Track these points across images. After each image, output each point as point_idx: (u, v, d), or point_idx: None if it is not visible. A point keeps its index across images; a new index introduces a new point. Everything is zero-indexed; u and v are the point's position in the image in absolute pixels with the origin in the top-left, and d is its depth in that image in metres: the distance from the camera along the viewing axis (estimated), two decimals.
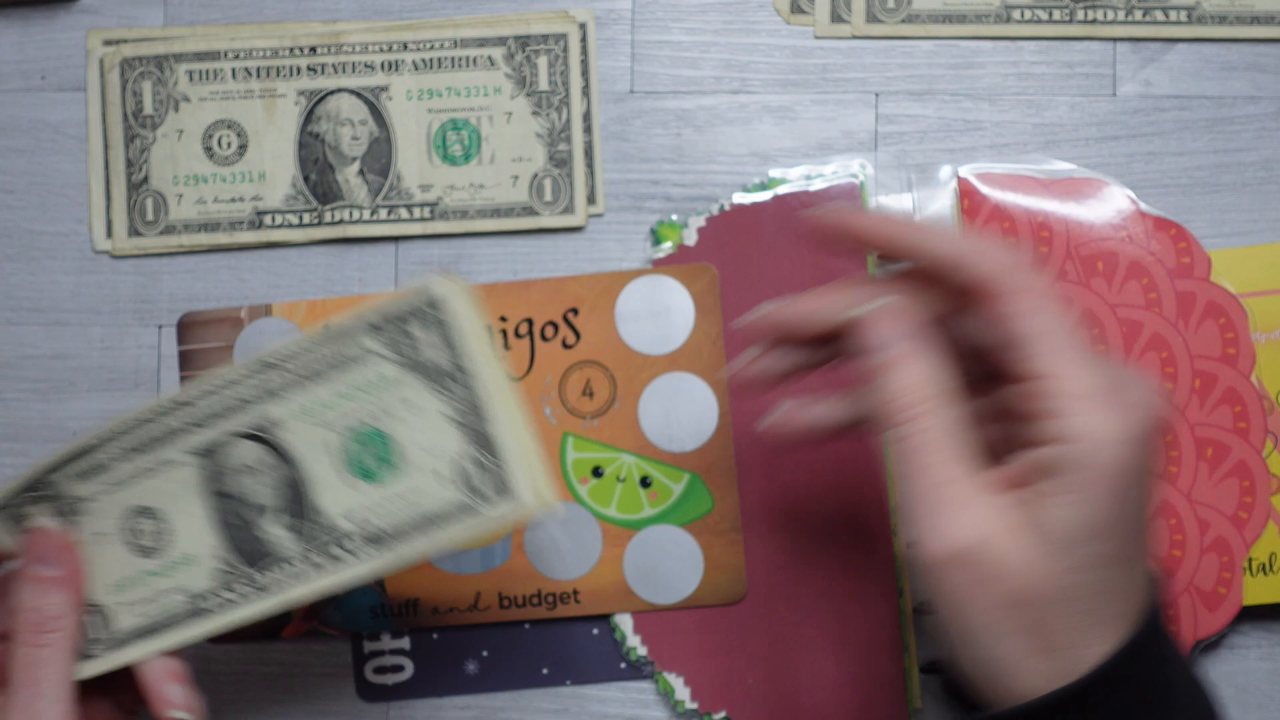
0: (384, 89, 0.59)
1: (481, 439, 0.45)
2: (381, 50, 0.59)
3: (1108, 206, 0.58)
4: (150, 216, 0.59)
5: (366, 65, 0.59)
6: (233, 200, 0.59)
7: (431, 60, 0.59)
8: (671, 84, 0.59)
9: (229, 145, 0.59)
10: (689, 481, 0.57)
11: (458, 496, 0.45)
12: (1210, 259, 0.57)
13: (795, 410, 0.50)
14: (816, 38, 0.59)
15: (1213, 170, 0.59)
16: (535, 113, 0.59)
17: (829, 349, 0.48)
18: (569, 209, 0.59)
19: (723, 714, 0.57)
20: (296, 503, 0.48)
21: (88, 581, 0.49)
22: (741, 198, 0.58)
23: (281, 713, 0.58)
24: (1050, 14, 0.59)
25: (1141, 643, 0.42)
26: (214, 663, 0.58)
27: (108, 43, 0.59)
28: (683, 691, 0.57)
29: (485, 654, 0.58)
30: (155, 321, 0.59)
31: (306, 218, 0.59)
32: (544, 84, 0.59)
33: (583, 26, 0.59)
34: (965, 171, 0.58)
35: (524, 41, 0.59)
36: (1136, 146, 0.59)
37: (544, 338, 0.58)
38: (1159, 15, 0.59)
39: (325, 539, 0.47)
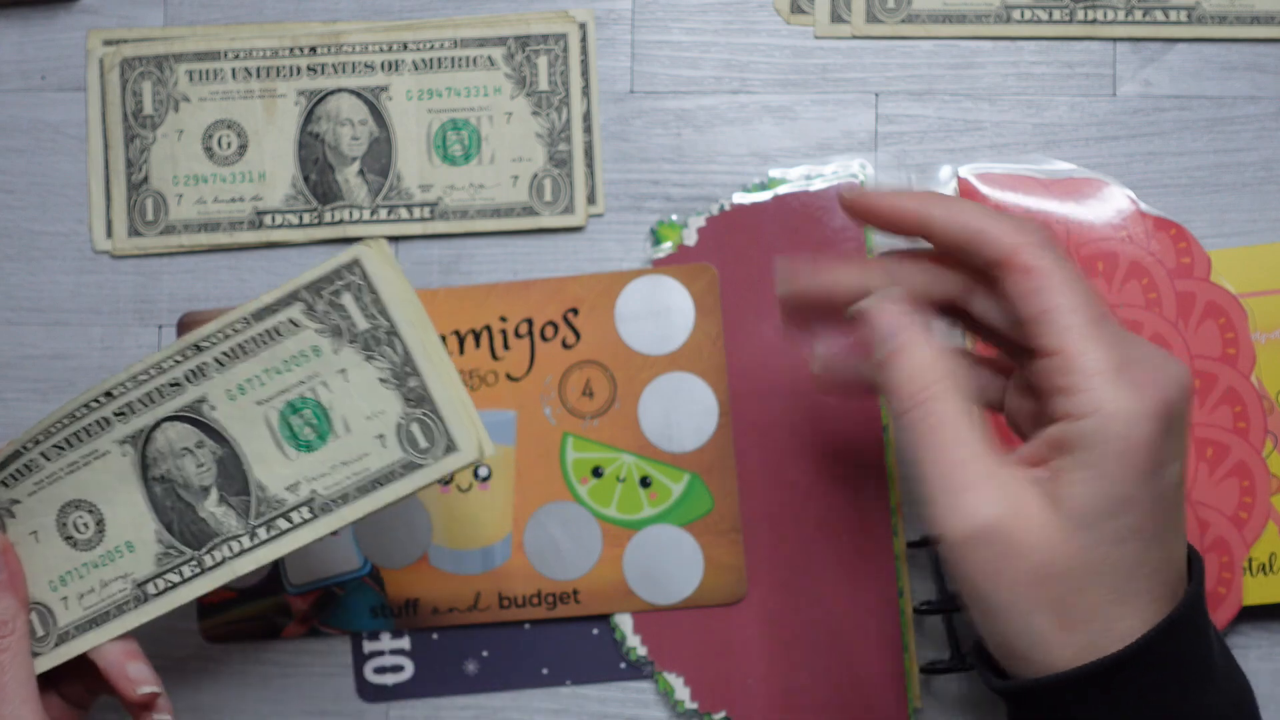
0: (384, 89, 0.59)
1: (419, 398, 0.47)
2: (381, 50, 0.59)
3: (1108, 206, 0.58)
4: (150, 216, 0.59)
5: (366, 65, 0.59)
6: (233, 200, 0.59)
7: (431, 60, 0.59)
8: (671, 84, 0.59)
9: (229, 145, 0.59)
10: (689, 481, 0.57)
11: (402, 456, 0.47)
12: (1210, 259, 0.57)
13: (837, 360, 0.51)
14: (816, 38, 0.59)
15: (1213, 170, 0.59)
16: (535, 113, 0.59)
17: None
18: (569, 209, 0.59)
19: (722, 714, 0.57)
20: (236, 480, 0.48)
21: (28, 580, 0.50)
22: (741, 198, 0.58)
23: (281, 713, 0.58)
24: (1050, 14, 0.59)
25: (1178, 620, 0.42)
26: (214, 663, 0.59)
27: (108, 43, 0.59)
28: (683, 691, 0.57)
29: (485, 654, 0.58)
30: (155, 321, 0.59)
31: (306, 218, 0.59)
32: (544, 84, 0.59)
33: (583, 26, 0.59)
34: (965, 171, 0.58)
35: (524, 41, 0.59)
36: (1136, 146, 0.59)
37: (544, 338, 0.58)
38: (1159, 15, 0.59)
39: (270, 513, 0.48)
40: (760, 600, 0.57)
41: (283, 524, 0.48)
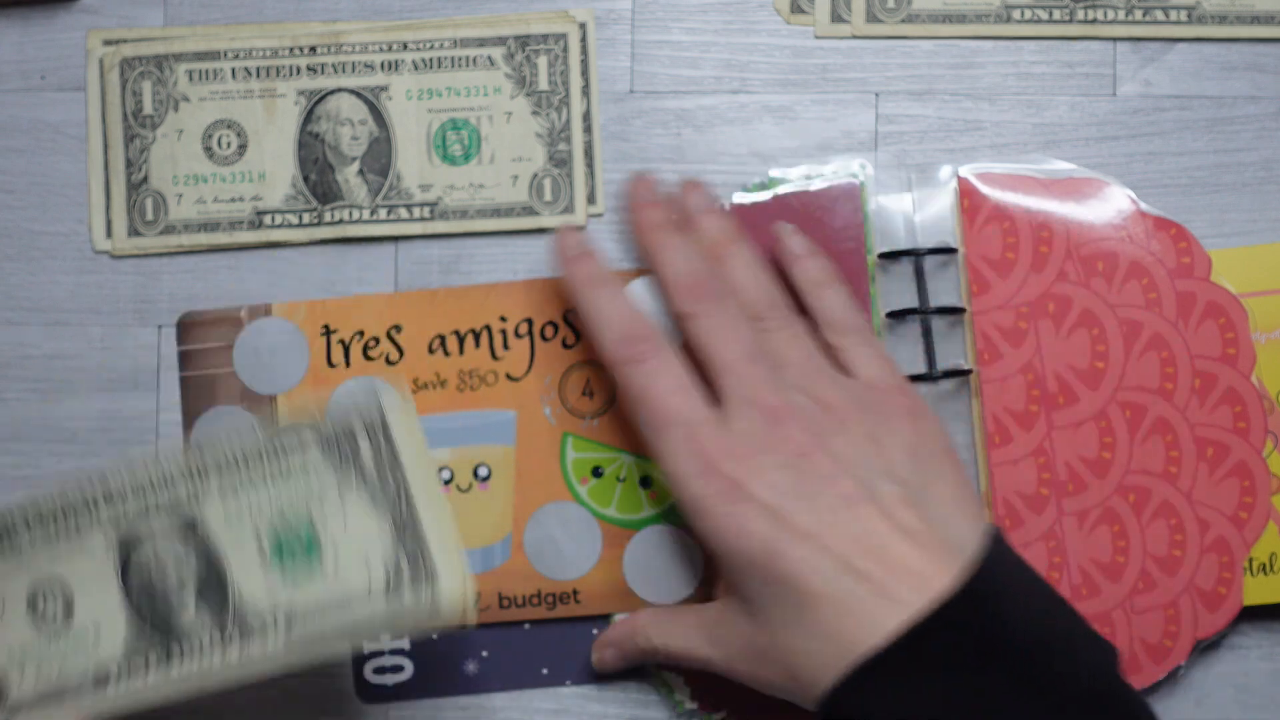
0: (384, 89, 0.59)
1: (412, 551, 0.48)
2: (381, 50, 0.59)
3: (1108, 206, 0.58)
4: (150, 216, 0.59)
5: (366, 65, 0.59)
6: (232, 200, 0.59)
7: (431, 60, 0.59)
8: (671, 84, 0.59)
9: (229, 145, 0.59)
10: None
11: (385, 609, 0.47)
12: (1210, 259, 0.57)
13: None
14: (816, 38, 0.59)
15: (1213, 170, 0.59)
16: (535, 112, 0.59)
17: None
18: (569, 209, 0.59)
19: (722, 714, 0.57)
20: (217, 589, 0.48)
21: None
22: (742, 197, 0.58)
23: (281, 713, 0.58)
24: (1050, 14, 0.59)
25: (916, 634, 0.45)
26: None
27: (108, 42, 0.59)
28: (682, 691, 0.57)
29: (485, 654, 0.58)
30: (155, 321, 0.59)
31: (306, 217, 0.59)
32: (544, 84, 0.59)
33: (583, 26, 0.59)
34: (965, 171, 0.58)
35: (524, 41, 0.59)
36: (1136, 146, 0.59)
37: (544, 337, 0.58)
38: (1159, 15, 0.59)
39: (242, 630, 0.48)
40: None
41: (254, 643, 0.48)
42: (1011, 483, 0.57)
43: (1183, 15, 0.59)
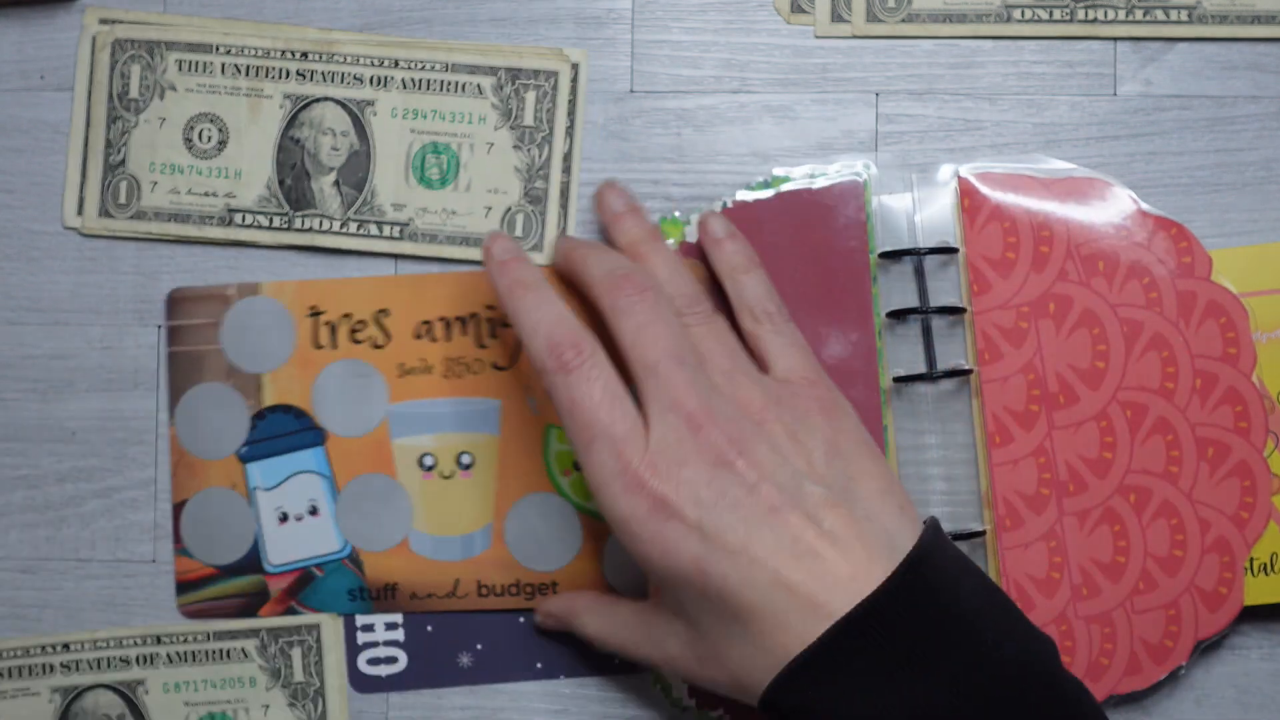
0: (370, 103, 0.59)
1: None
2: (372, 64, 0.59)
3: (1108, 206, 0.58)
4: (123, 199, 0.59)
5: (355, 77, 0.59)
6: (205, 194, 0.59)
7: (420, 81, 0.59)
8: (671, 84, 0.59)
9: (209, 139, 0.59)
10: None
11: None
12: (1211, 258, 0.57)
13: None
14: (817, 37, 0.59)
15: (1213, 170, 0.59)
16: (516, 146, 0.59)
17: None
18: (538, 247, 0.58)
19: (719, 712, 0.57)
20: None
21: None
22: (745, 195, 0.58)
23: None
24: (1050, 13, 0.59)
25: (849, 627, 0.46)
26: None
27: (104, 21, 0.59)
28: (680, 689, 0.57)
29: (479, 647, 0.58)
30: (155, 321, 0.59)
31: (277, 221, 0.59)
32: (529, 119, 0.59)
33: (575, 67, 0.59)
34: (965, 171, 0.58)
35: (515, 74, 0.59)
36: (1137, 146, 0.59)
37: None
38: (1159, 15, 0.59)
39: None
40: None
41: None
42: (1012, 483, 0.57)
43: (1183, 15, 0.58)
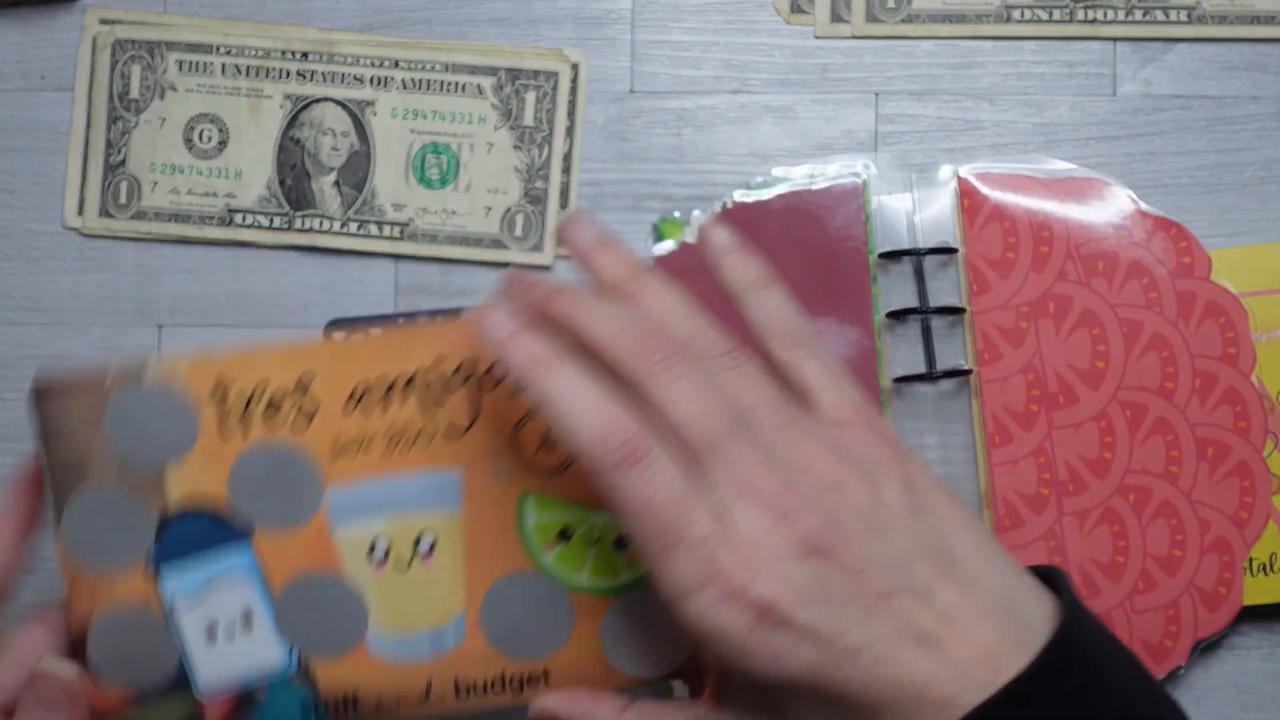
0: (370, 103, 0.59)
1: None
2: (373, 65, 0.59)
3: (1108, 206, 0.58)
4: (123, 200, 0.59)
5: (356, 78, 0.59)
6: (206, 194, 0.59)
7: (421, 81, 0.59)
8: (671, 84, 0.59)
9: (209, 139, 0.59)
10: None
11: None
12: (1210, 259, 0.57)
13: None
14: (816, 38, 0.59)
15: (1213, 170, 0.59)
16: (516, 147, 0.59)
17: None
18: (538, 247, 0.59)
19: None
20: None
21: None
22: (745, 195, 0.58)
23: None
24: (1050, 14, 0.59)
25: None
26: None
27: (104, 21, 0.59)
28: (681, 691, 0.57)
29: None
30: (155, 321, 0.59)
31: (277, 221, 0.59)
32: (529, 119, 0.59)
33: (575, 67, 0.59)
34: (965, 171, 0.58)
35: (515, 74, 0.59)
36: (1136, 146, 0.59)
37: (488, 384, 0.48)
38: (1159, 15, 0.59)
39: None
40: None
41: None
42: (1012, 483, 0.57)
43: (1183, 15, 0.59)
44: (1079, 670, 0.42)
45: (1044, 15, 0.59)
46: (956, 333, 0.58)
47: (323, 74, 0.59)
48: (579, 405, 0.43)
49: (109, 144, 0.59)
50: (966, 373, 0.57)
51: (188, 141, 0.59)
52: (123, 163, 0.59)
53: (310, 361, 0.48)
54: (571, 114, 0.59)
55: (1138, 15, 0.59)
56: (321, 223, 0.59)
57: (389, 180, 0.59)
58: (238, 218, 0.59)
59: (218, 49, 0.59)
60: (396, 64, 0.59)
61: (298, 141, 0.59)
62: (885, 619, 0.42)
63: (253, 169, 0.59)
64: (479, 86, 0.59)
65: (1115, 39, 0.59)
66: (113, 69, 0.59)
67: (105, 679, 0.48)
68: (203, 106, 0.59)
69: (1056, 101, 0.59)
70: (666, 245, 0.58)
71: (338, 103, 0.59)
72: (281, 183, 0.59)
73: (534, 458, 0.48)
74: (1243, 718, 0.58)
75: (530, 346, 0.44)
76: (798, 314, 0.48)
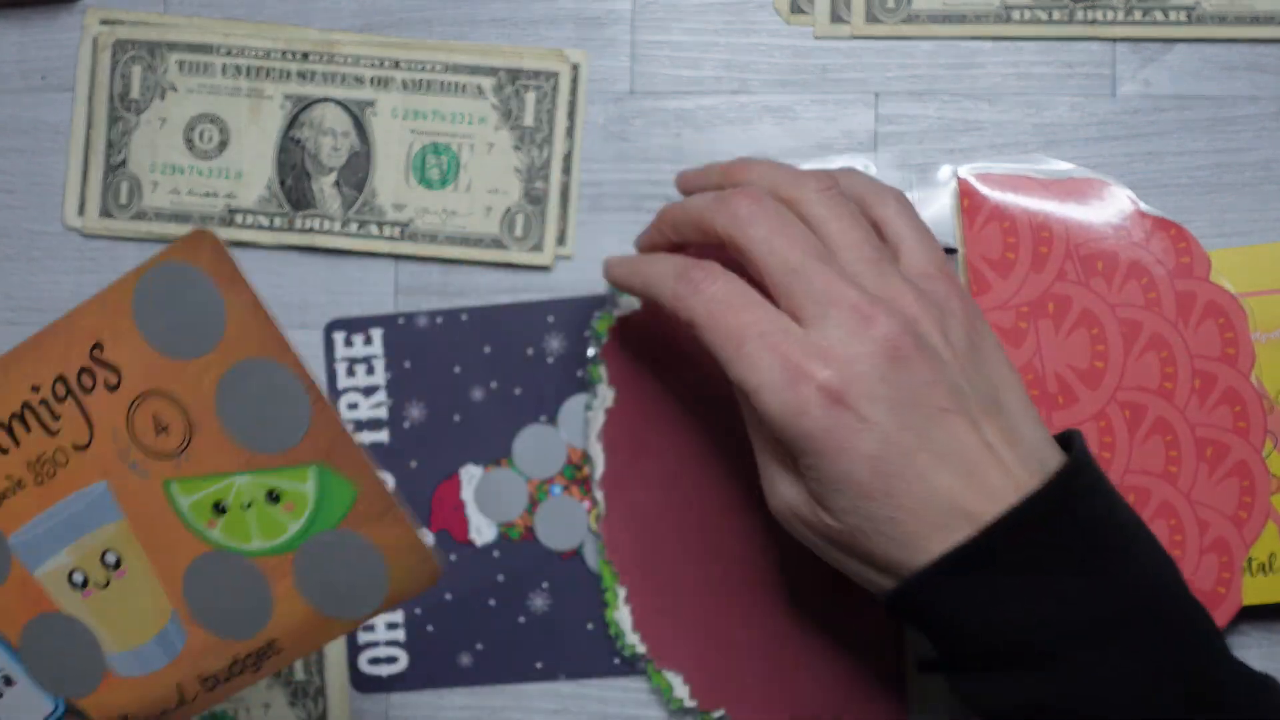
0: (370, 104, 0.59)
1: None
2: (373, 65, 0.59)
3: (1108, 206, 0.58)
4: (124, 200, 0.59)
5: (356, 78, 0.59)
6: (206, 194, 0.59)
7: (421, 81, 0.59)
8: (671, 84, 0.59)
9: (210, 140, 0.59)
10: (317, 474, 0.46)
11: None
12: (1210, 259, 0.57)
13: None
14: (816, 38, 0.59)
15: (1213, 170, 0.59)
16: (517, 147, 0.59)
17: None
18: (538, 247, 0.59)
19: (721, 712, 0.57)
20: None
21: None
22: None
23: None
24: (1050, 14, 0.59)
25: (1042, 497, 0.45)
26: None
27: (105, 22, 0.59)
28: (681, 689, 0.57)
29: (480, 647, 0.58)
30: None
31: (278, 221, 0.59)
32: (529, 120, 0.59)
33: (575, 68, 0.59)
34: (965, 171, 0.58)
35: (515, 75, 0.59)
36: (1136, 146, 0.59)
37: (85, 389, 0.47)
38: (1159, 15, 0.59)
39: None
40: (752, 596, 0.57)
41: None
42: None
43: (1182, 15, 0.59)
44: (1092, 491, 0.46)
45: (1044, 15, 0.59)
46: None
47: (323, 74, 0.59)
48: (656, 267, 0.51)
49: (109, 144, 0.59)
50: None
51: (188, 142, 0.59)
52: (123, 163, 0.59)
53: None
54: (571, 114, 0.59)
55: (1137, 15, 0.59)
56: (322, 223, 0.59)
57: (389, 180, 0.59)
58: (238, 218, 0.59)
59: (218, 49, 0.59)
60: (397, 64, 0.59)
61: (298, 142, 0.59)
62: (943, 430, 0.46)
63: (253, 169, 0.59)
64: (479, 87, 0.59)
65: (1115, 39, 0.59)
66: (113, 69, 0.59)
67: None
68: (203, 107, 0.59)
69: (1056, 102, 0.59)
70: None
71: (338, 103, 0.59)
72: (282, 183, 0.59)
73: (157, 445, 0.47)
74: None
75: (607, 264, 0.54)
76: (879, 181, 0.53)
